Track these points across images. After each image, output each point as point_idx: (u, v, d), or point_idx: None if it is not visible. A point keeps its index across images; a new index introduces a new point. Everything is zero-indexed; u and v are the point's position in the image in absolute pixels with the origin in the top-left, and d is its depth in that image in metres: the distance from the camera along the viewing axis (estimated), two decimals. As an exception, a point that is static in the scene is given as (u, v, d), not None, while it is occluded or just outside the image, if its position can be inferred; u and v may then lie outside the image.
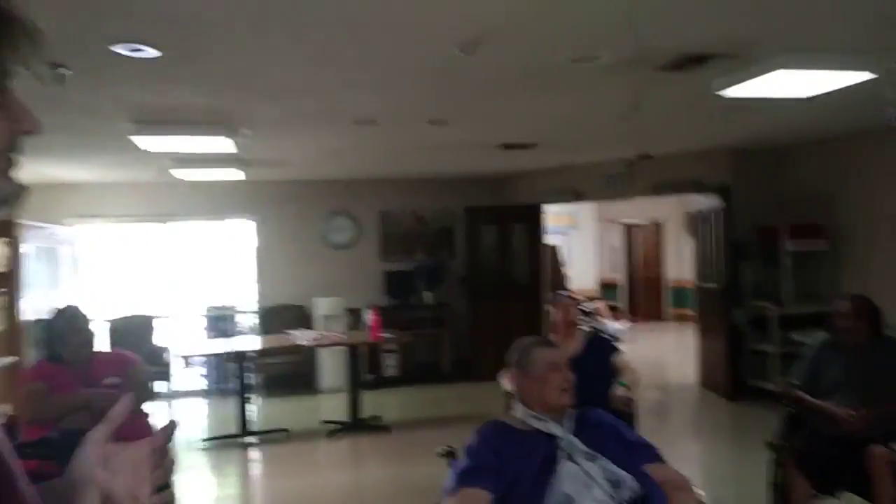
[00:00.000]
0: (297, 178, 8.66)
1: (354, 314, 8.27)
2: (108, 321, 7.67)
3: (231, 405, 6.70)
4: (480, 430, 2.19)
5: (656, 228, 14.14)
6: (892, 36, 3.42)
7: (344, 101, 4.63)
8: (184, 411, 7.86)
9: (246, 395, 6.58)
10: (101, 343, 3.91)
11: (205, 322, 8.66)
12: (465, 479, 2.03)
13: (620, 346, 4.10)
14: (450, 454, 2.36)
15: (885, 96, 4.02)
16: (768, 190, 7.35)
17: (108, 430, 0.81)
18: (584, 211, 13.02)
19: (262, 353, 7.28)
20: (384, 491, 5.12)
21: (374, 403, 7.10)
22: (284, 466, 5.81)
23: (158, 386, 7.96)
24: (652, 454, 2.16)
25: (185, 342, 7.51)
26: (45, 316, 4.41)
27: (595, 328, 4.49)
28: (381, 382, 8.38)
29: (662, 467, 2.13)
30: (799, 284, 6.90)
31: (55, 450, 2.27)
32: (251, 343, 6.94)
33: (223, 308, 8.75)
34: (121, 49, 3.24)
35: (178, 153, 5.96)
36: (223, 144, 5.36)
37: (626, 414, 3.52)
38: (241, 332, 8.56)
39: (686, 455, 5.62)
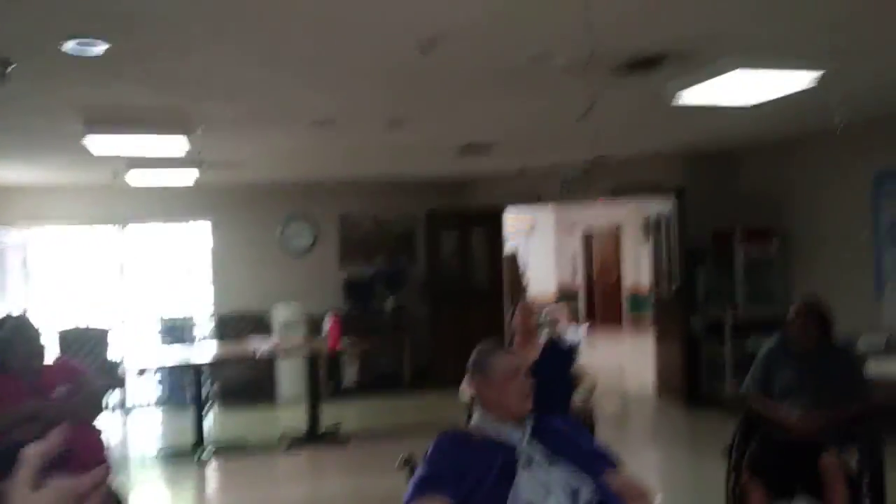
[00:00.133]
0: (254, 181, 8.52)
1: (314, 321, 8.15)
2: (60, 332, 7.41)
3: (187, 416, 6.53)
4: (439, 438, 2.15)
5: (614, 235, 14.30)
6: (837, 40, 3.49)
7: (301, 101, 4.57)
8: (138, 423, 7.65)
9: (203, 406, 6.42)
10: (52, 354, 3.78)
11: (160, 331, 8.44)
12: (424, 487, 1.99)
13: (579, 352, 4.11)
14: (408, 463, 2.32)
15: (831, 100, 4.11)
16: (722, 194, 7.45)
17: (44, 450, 0.80)
18: (543, 217, 13.10)
19: (218, 363, 7.12)
20: None
21: (334, 414, 6.99)
22: (241, 480, 5.68)
23: (112, 398, 7.75)
24: (610, 461, 2.15)
25: (139, 352, 7.31)
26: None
27: (554, 335, 4.49)
28: (341, 392, 8.27)
29: (620, 475, 2.11)
30: (752, 289, 7.00)
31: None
32: (206, 353, 6.78)
33: (179, 318, 8.53)
34: (70, 46, 3.13)
35: (131, 156, 5.80)
36: (176, 145, 5.24)
37: (586, 421, 3.52)
38: (197, 341, 8.36)
39: (644, 462, 5.65)
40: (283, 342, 6.71)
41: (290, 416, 7.12)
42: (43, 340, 3.43)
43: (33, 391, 3.27)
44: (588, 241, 14.76)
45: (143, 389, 8.31)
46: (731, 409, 3.92)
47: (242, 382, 8.20)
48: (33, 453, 0.81)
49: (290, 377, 8.00)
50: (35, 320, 3.47)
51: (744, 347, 6.43)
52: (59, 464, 0.82)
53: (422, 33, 3.20)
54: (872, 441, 3.42)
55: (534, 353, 3.68)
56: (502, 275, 9.16)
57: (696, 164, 7.51)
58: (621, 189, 8.02)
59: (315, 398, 6.60)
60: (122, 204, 8.24)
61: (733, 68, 3.55)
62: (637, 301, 13.36)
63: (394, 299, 8.84)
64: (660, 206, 7.84)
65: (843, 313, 3.99)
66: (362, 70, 3.87)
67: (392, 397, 8.31)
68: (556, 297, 13.14)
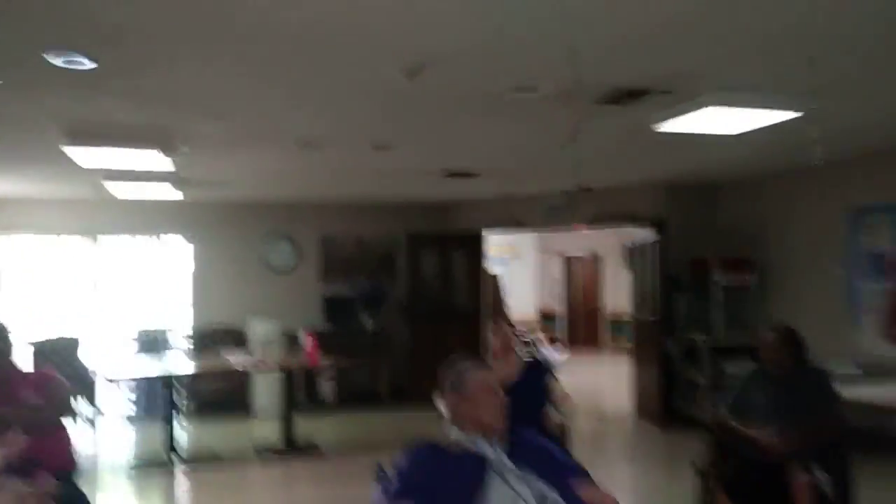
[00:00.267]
0: (237, 200, 8.54)
1: (292, 338, 8.12)
2: (33, 343, 7.33)
3: (161, 429, 6.46)
4: (411, 450, 2.17)
5: (595, 260, 14.41)
6: (815, 77, 3.60)
7: (287, 121, 4.61)
8: (111, 434, 7.55)
9: (177, 420, 6.36)
10: (25, 364, 3.74)
11: (135, 344, 8.36)
12: (395, 498, 2.01)
13: (557, 374, 4.15)
14: (380, 473, 2.33)
15: (809, 136, 4.22)
16: (702, 224, 7.62)
17: (3, 454, 0.82)
18: (525, 242, 13.19)
19: (194, 376, 7.07)
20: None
21: (310, 429, 6.97)
22: (214, 493, 5.63)
23: (84, 409, 7.66)
24: (582, 476, 2.18)
25: (112, 363, 7.23)
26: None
27: (533, 356, 4.53)
28: (317, 408, 8.23)
29: (591, 489, 2.14)
30: (729, 316, 7.12)
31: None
32: (182, 365, 6.73)
33: (155, 331, 8.47)
34: (56, 60, 3.15)
35: (112, 169, 5.79)
36: (160, 162, 5.24)
37: (561, 440, 3.55)
38: (173, 355, 8.29)
39: (618, 481, 5.67)
40: (261, 357, 6.68)
41: (265, 429, 7.08)
42: (12, 343, 3.39)
43: (1, 396, 3.23)
44: (569, 266, 14.86)
45: (116, 401, 8.22)
46: (706, 431, 3.96)
47: (218, 396, 8.14)
48: (10, 448, 0.83)
49: (265, 392, 7.95)
50: (3, 323, 3.41)
51: (719, 371, 6.51)
52: (19, 468, 0.83)
53: (409, 59, 3.26)
54: (843, 462, 3.49)
55: (511, 370, 3.71)
56: (481, 297, 9.20)
57: (677, 195, 7.64)
58: (603, 217, 8.12)
59: (290, 413, 6.57)
60: (103, 216, 8.22)
61: (713, 104, 3.66)
62: (617, 326, 13.44)
63: (374, 319, 8.85)
64: (640, 234, 7.95)
65: (818, 341, 4.07)
66: (349, 93, 3.91)
67: (369, 414, 8.28)
68: (537, 321, 13.18)
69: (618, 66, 3.44)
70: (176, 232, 8.69)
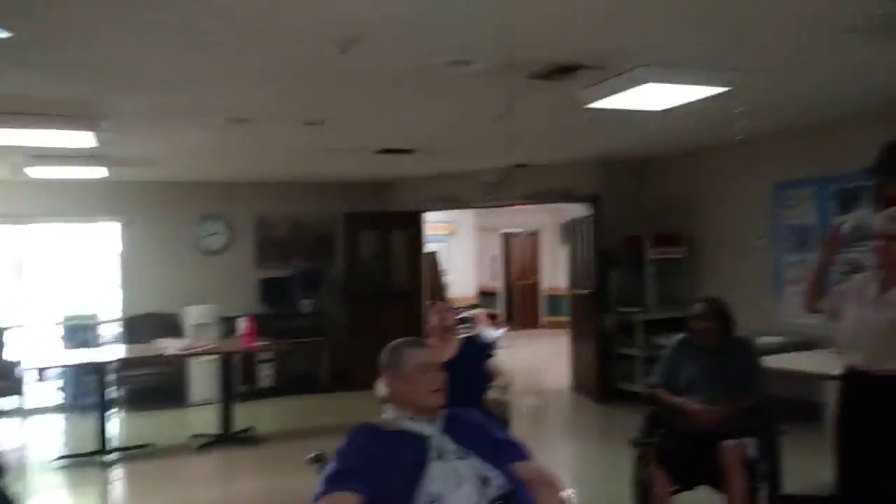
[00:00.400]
0: (168, 179, 8.27)
1: (228, 323, 7.94)
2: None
3: (92, 421, 6.25)
4: (350, 433, 2.15)
5: (533, 237, 14.57)
6: (741, 54, 3.69)
7: (215, 97, 4.46)
8: (38, 429, 7.27)
9: (108, 410, 6.16)
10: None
11: (62, 332, 8.05)
12: (333, 482, 1.99)
13: (497, 351, 4.18)
14: (319, 459, 2.30)
15: (734, 111, 4.33)
16: (634, 200, 7.77)
17: None
18: (463, 219, 13.22)
19: (125, 364, 6.85)
20: (255, 504, 4.94)
21: (248, 415, 6.85)
22: (149, 484, 5.49)
23: (9, 402, 7.35)
24: (520, 452, 2.19)
25: (39, 353, 6.95)
26: None
27: (471, 333, 4.55)
28: (256, 394, 8.10)
29: (530, 465, 2.16)
30: (662, 290, 7.31)
31: None
32: (112, 353, 6.51)
33: (83, 317, 8.17)
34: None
35: (31, 146, 5.52)
36: (83, 139, 5.02)
37: (500, 416, 3.59)
38: (103, 343, 8.02)
39: (557, 456, 5.79)
40: (192, 343, 6.51)
41: (202, 418, 6.94)
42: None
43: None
44: (507, 243, 14.99)
45: (44, 394, 7.92)
46: (640, 405, 4.07)
47: (152, 385, 7.92)
48: None
49: (201, 379, 7.78)
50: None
51: (653, 344, 6.68)
52: None
53: (341, 31, 3.19)
54: (769, 430, 3.63)
55: (450, 350, 3.72)
56: (420, 277, 9.19)
57: (610, 171, 7.76)
58: (540, 194, 8.20)
59: (227, 399, 6.45)
60: (24, 201, 7.83)
61: (644, 81, 3.72)
62: (555, 302, 13.66)
63: (312, 301, 8.75)
64: (576, 211, 8.06)
65: (744, 313, 4.21)
66: (280, 67, 3.82)
67: (309, 399, 8.21)
68: (476, 298, 13.27)
69: (551, 42, 3.45)
70: (104, 214, 8.36)
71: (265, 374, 8.39)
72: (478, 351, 3.87)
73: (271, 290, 8.71)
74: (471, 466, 2.04)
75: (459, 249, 13.43)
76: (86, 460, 5.85)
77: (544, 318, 14.33)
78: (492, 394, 3.55)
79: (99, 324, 8.24)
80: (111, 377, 6.71)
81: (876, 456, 3.17)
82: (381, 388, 2.37)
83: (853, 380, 3.29)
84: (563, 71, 3.89)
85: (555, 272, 13.48)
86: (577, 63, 3.78)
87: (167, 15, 2.95)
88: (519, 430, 3.54)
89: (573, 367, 8.21)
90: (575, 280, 8.20)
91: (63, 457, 5.96)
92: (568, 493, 2.20)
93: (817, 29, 3.36)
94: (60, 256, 8.52)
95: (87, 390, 7.50)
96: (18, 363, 7.13)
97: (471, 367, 3.60)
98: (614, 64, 3.74)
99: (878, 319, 3.14)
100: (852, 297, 3.29)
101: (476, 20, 3.08)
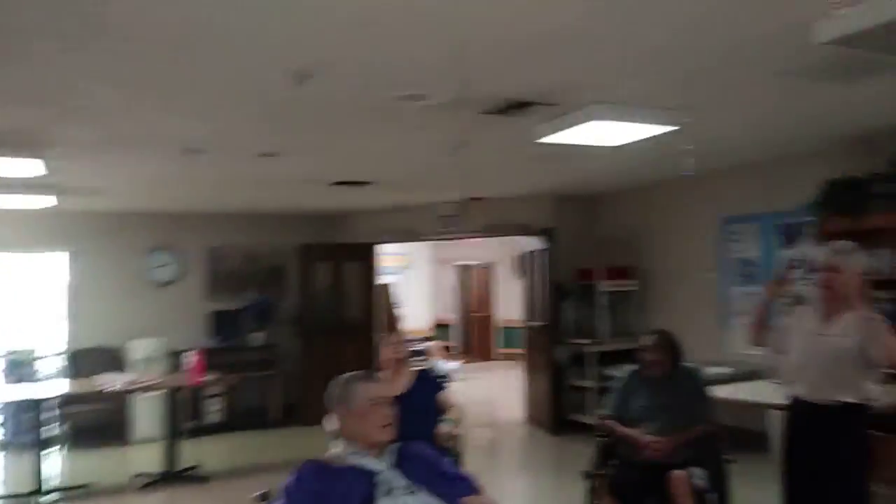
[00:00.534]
0: (117, 209, 8.09)
1: (176, 356, 7.76)
2: None
3: (30, 459, 5.99)
4: (298, 469, 2.11)
5: (488, 270, 14.63)
6: (687, 94, 3.81)
7: (166, 127, 4.40)
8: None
9: (47, 448, 5.91)
10: None
11: (3, 366, 7.73)
12: (279, 521, 1.94)
13: (450, 384, 4.16)
14: (265, 498, 2.25)
15: (682, 148, 4.45)
16: (587, 233, 7.92)
17: None
18: (418, 251, 13.23)
19: (67, 399, 6.60)
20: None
21: (195, 452, 6.65)
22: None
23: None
24: (471, 486, 2.18)
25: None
26: None
27: (423, 366, 4.52)
28: (204, 429, 7.89)
29: (480, 499, 2.15)
30: (614, 322, 7.40)
31: None
32: (50, 390, 6.25)
33: (24, 351, 7.86)
34: None
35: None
36: (31, 167, 4.88)
37: (452, 450, 3.56)
38: (45, 378, 7.72)
39: (510, 490, 5.77)
40: (138, 378, 6.32)
41: (146, 456, 6.71)
42: None
43: None
44: (463, 275, 15.02)
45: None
46: (593, 435, 4.09)
47: (95, 422, 7.64)
48: None
49: (146, 415, 7.52)
50: None
51: (605, 376, 6.74)
52: None
53: (295, 63, 3.19)
54: (718, 460, 3.67)
55: (402, 383, 3.68)
56: (374, 310, 9.13)
57: (564, 206, 7.90)
58: (494, 227, 8.27)
59: (173, 436, 6.26)
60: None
61: (594, 118, 3.80)
62: (510, 335, 13.68)
63: (263, 333, 8.61)
64: (531, 244, 8.15)
65: (693, 344, 4.29)
66: (233, 97, 3.78)
67: (259, 434, 8.02)
68: (431, 330, 13.23)
69: (503, 78, 3.51)
70: (50, 245, 8.12)
71: (214, 409, 8.19)
72: (430, 384, 3.85)
73: (222, 323, 8.54)
74: (420, 502, 2.02)
75: (414, 281, 13.42)
76: (22, 501, 5.60)
77: (499, 351, 14.33)
78: (443, 427, 3.52)
79: (40, 359, 7.94)
80: (53, 413, 6.47)
81: (821, 485, 3.23)
82: (331, 422, 2.33)
83: (798, 410, 3.36)
84: (516, 107, 3.95)
85: (509, 304, 13.53)
86: (530, 99, 3.84)
87: (116, 43, 2.91)
88: (472, 463, 3.52)
89: (527, 398, 8.22)
90: (529, 312, 8.24)
91: (-2, 497, 5.70)
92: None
93: (760, 72, 3.48)
94: (4, 288, 8.22)
95: (28, 427, 7.20)
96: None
97: (422, 401, 3.58)
98: (566, 101, 3.82)
99: (821, 350, 3.22)
100: (796, 329, 3.38)
101: (429, 56, 3.11)
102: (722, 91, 3.86)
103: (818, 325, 3.29)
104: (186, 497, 5.88)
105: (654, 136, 4.28)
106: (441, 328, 13.98)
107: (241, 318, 8.59)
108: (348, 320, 8.90)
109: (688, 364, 3.88)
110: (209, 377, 6.41)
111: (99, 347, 7.98)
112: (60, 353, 8.05)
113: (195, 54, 3.07)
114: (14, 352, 7.78)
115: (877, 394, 3.25)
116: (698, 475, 3.42)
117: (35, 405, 5.96)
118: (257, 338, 8.57)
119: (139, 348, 7.77)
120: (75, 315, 8.17)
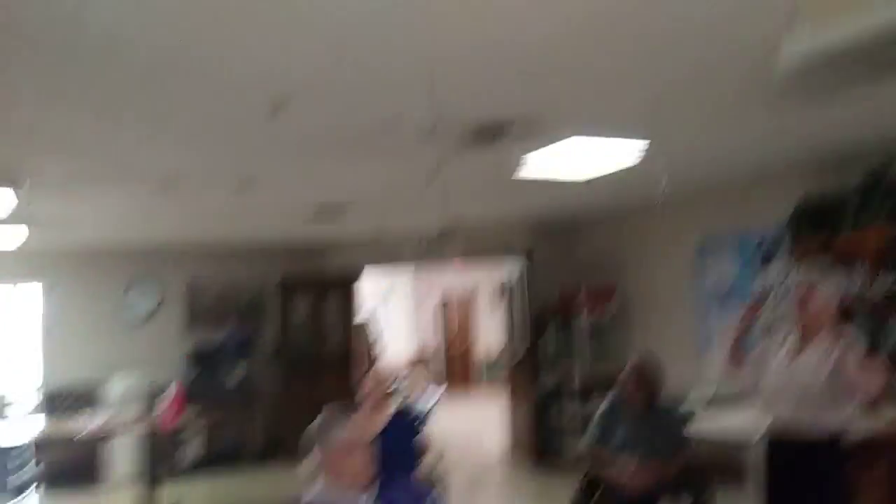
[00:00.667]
0: (93, 243, 7.97)
1: (156, 392, 7.61)
2: None
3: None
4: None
5: (469, 300, 14.61)
6: (661, 115, 3.84)
7: (142, 158, 4.36)
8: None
9: (20, 495, 5.73)
10: None
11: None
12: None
13: (430, 419, 4.12)
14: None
15: (656, 175, 4.48)
16: (567, 260, 7.89)
17: None
18: (400, 282, 13.20)
19: (40, 444, 6.42)
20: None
21: (174, 494, 6.49)
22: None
23: None
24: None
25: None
26: None
27: (403, 402, 4.47)
28: (183, 468, 7.72)
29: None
30: (595, 349, 7.35)
31: None
32: (19, 433, 6.06)
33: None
34: None
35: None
36: (3, 200, 4.81)
37: (432, 488, 3.51)
38: (15, 419, 7.52)
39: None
40: (114, 418, 6.18)
41: (122, 498, 6.54)
42: None
43: None
44: (444, 306, 14.98)
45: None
46: (577, 466, 4.05)
47: (69, 464, 7.44)
48: None
49: (124, 456, 7.36)
50: None
51: (588, 406, 6.69)
52: None
53: (271, 91, 3.18)
54: (701, 490, 3.66)
55: (379, 421, 3.64)
56: (354, 343, 9.05)
57: (543, 232, 7.92)
58: (474, 254, 8.27)
59: (150, 478, 6.11)
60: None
61: (569, 136, 3.83)
62: (491, 364, 13.62)
63: (243, 368, 8.49)
64: (511, 272, 8.15)
65: (674, 369, 4.28)
66: (209, 128, 3.76)
67: (240, 472, 7.88)
68: (412, 361, 13.14)
69: (480, 104, 3.52)
70: (23, 280, 7.99)
71: (193, 446, 8.03)
72: (409, 423, 3.81)
73: (201, 358, 8.43)
74: (400, 543, 1.98)
75: (396, 313, 13.37)
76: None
77: (481, 380, 14.25)
78: (423, 468, 3.49)
79: (9, 405, 7.72)
80: (25, 458, 6.28)
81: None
82: (309, 463, 2.29)
83: (776, 449, 3.31)
84: (492, 133, 3.96)
85: (490, 334, 13.50)
86: (504, 125, 3.85)
87: (89, 77, 2.89)
88: (454, 498, 3.47)
89: (510, 429, 8.14)
90: (511, 342, 8.22)
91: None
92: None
93: (731, 95, 3.52)
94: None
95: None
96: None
97: (402, 440, 3.53)
98: (540, 126, 3.84)
99: (798, 373, 3.21)
100: (773, 354, 3.37)
101: (405, 85, 3.12)
102: (693, 116, 3.89)
103: (794, 349, 3.28)
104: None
105: (627, 166, 4.31)
106: (422, 359, 13.89)
107: (220, 352, 8.48)
108: (328, 354, 8.81)
109: (668, 390, 3.87)
110: (187, 416, 6.29)
111: (75, 385, 7.82)
112: (33, 394, 7.87)
113: (168, 85, 3.05)
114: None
115: (854, 418, 3.23)
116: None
117: (5, 452, 5.78)
118: (237, 372, 8.45)
119: (115, 386, 7.63)
120: (50, 352, 8.01)
